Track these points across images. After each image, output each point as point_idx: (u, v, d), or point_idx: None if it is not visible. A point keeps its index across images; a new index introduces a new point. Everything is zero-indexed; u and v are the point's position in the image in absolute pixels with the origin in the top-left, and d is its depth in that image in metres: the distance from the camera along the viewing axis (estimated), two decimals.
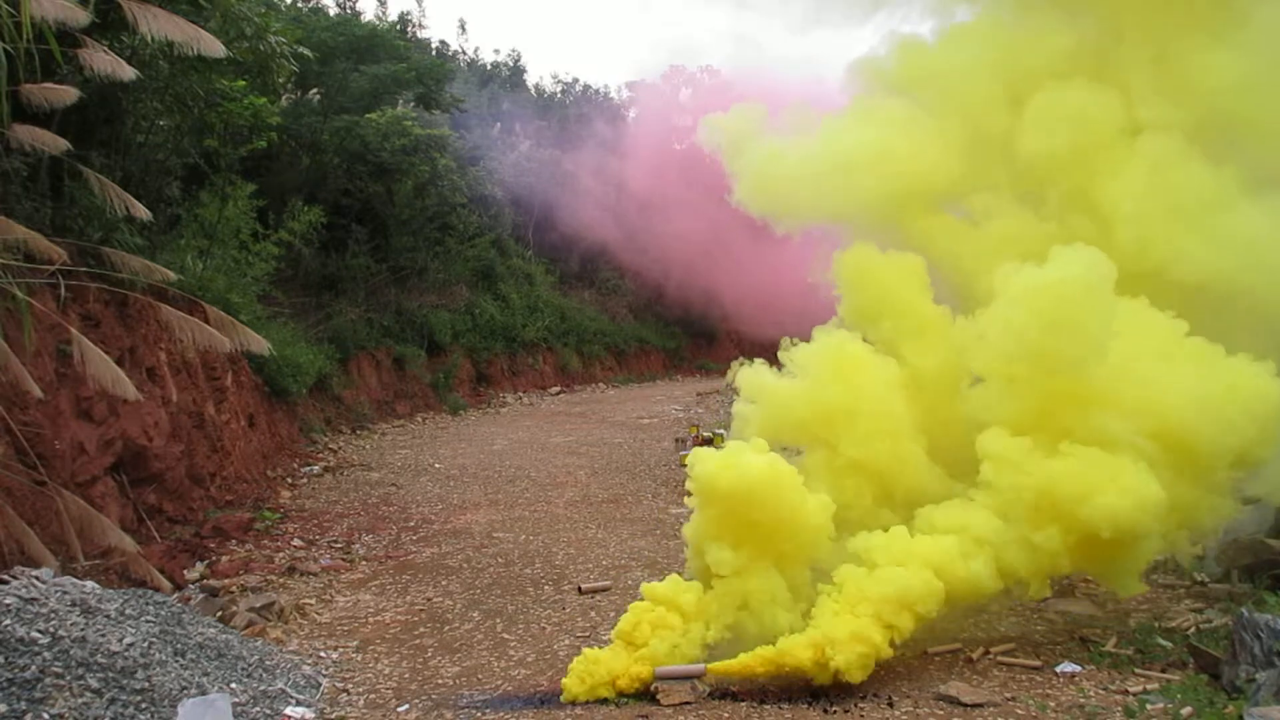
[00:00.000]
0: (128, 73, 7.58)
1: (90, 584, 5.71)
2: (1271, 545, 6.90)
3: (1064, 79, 7.06)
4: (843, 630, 5.52)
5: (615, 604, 7.46)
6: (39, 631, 4.85)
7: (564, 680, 5.69)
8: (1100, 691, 5.51)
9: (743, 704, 5.50)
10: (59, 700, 4.55)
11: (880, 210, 7.41)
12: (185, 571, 8.42)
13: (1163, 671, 5.71)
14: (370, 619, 7.46)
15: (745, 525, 5.89)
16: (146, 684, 4.90)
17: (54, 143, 7.27)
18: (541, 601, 7.77)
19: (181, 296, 9.99)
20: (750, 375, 6.98)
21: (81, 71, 7.75)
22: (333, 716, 5.55)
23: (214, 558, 8.92)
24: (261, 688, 5.57)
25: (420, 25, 35.02)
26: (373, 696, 5.87)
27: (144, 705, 4.79)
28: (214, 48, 8.17)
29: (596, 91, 39.94)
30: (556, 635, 6.93)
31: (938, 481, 6.69)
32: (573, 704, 5.58)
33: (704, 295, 32.59)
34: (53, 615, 5.01)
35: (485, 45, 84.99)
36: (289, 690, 5.70)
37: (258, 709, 5.35)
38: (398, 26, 27.10)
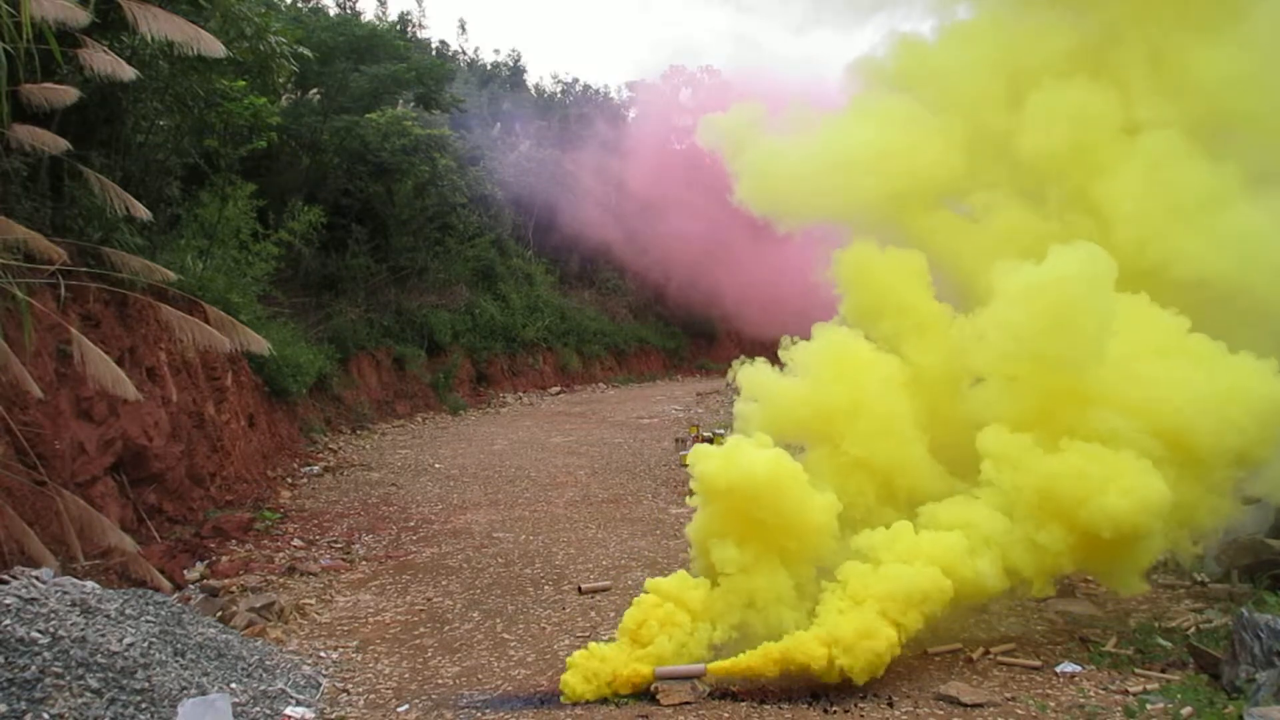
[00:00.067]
0: (128, 73, 7.58)
1: (90, 584, 5.70)
2: (1271, 545, 6.90)
3: (1063, 77, 7.07)
4: (848, 627, 5.48)
5: (615, 604, 7.45)
6: (39, 631, 4.84)
7: (564, 675, 5.63)
8: (1100, 691, 5.51)
9: (743, 704, 5.49)
10: (59, 700, 4.55)
11: (881, 208, 7.41)
12: (185, 571, 8.41)
13: (1163, 671, 5.70)
14: (370, 619, 7.46)
15: (749, 522, 5.86)
16: (146, 684, 4.90)
17: (54, 143, 7.27)
18: (541, 601, 7.77)
19: (181, 296, 9.98)
20: (751, 374, 6.94)
21: (81, 71, 7.75)
22: (333, 716, 5.54)
23: (214, 558, 8.92)
24: (261, 688, 5.57)
25: (420, 25, 35.16)
26: (373, 696, 5.86)
27: (144, 705, 4.78)
28: (214, 48, 8.17)
29: (597, 91, 40.04)
30: (556, 635, 6.92)
31: (940, 480, 6.68)
32: (573, 704, 5.55)
33: (705, 295, 32.52)
34: (53, 615, 5.01)
35: (485, 45, 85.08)
36: (289, 690, 5.69)
37: (258, 709, 5.35)
38: (398, 26, 27.11)
